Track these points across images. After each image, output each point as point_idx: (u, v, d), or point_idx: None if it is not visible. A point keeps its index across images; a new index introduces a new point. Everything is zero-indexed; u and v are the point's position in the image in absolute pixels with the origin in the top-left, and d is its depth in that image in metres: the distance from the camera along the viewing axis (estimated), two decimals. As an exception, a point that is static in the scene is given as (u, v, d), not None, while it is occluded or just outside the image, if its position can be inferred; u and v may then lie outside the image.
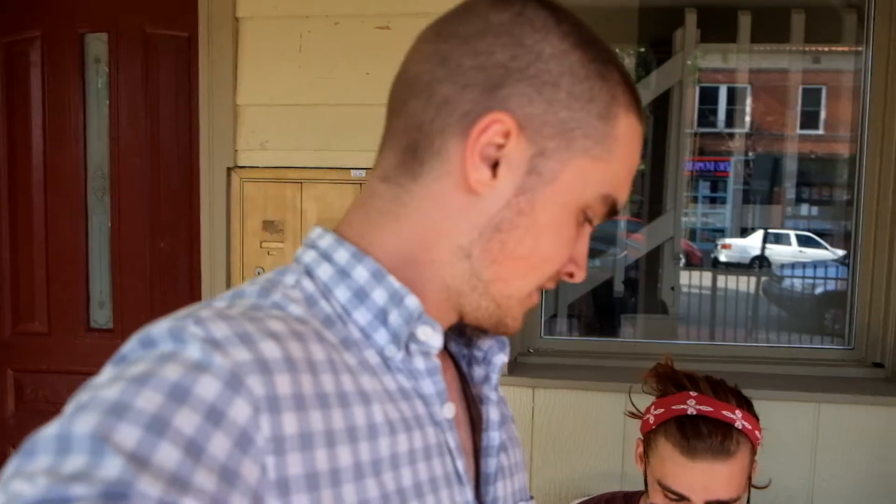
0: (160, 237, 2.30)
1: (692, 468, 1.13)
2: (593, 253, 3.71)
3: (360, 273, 0.57)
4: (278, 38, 2.00)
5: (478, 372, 0.66)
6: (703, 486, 1.12)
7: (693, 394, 1.19)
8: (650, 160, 3.74)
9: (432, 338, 0.56)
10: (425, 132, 0.57)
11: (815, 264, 5.15)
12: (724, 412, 1.15)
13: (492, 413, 0.64)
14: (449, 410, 0.58)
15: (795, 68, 3.69)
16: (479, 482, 0.62)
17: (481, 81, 0.55)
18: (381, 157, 0.61)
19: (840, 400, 1.95)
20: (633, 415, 1.32)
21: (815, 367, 2.13)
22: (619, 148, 0.58)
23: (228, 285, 2.10)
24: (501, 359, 0.65)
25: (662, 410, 1.20)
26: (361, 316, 0.56)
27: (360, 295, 0.56)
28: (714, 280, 5.43)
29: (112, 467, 0.38)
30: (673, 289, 3.42)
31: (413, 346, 0.56)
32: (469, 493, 0.58)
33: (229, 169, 2.05)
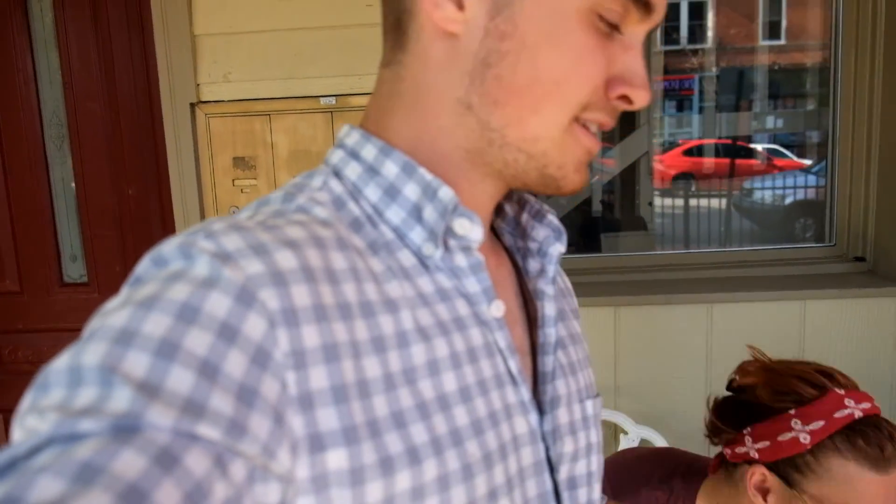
0: (128, 184, 2.21)
1: (885, 483, 0.91)
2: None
3: (390, 169, 0.53)
4: (232, -39, 1.89)
5: (532, 265, 0.62)
6: None
7: (841, 391, 0.95)
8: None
9: (471, 231, 0.52)
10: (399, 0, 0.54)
11: (784, 175, 5.22)
12: (874, 402, 0.97)
13: (547, 308, 0.60)
14: (497, 309, 0.54)
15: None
16: (537, 381, 0.59)
17: None
18: (383, 46, 0.57)
19: (825, 295, 1.97)
20: (715, 434, 1.04)
21: (799, 265, 2.15)
22: None
23: (203, 228, 2.04)
24: (558, 249, 0.61)
25: (823, 423, 0.93)
26: (394, 214, 0.53)
27: (392, 192, 0.53)
28: (686, 198, 5.47)
29: (121, 399, 0.36)
30: (650, 204, 3.42)
31: (452, 242, 0.53)
32: (525, 393, 0.55)
33: (193, 105, 1.96)
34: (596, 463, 0.63)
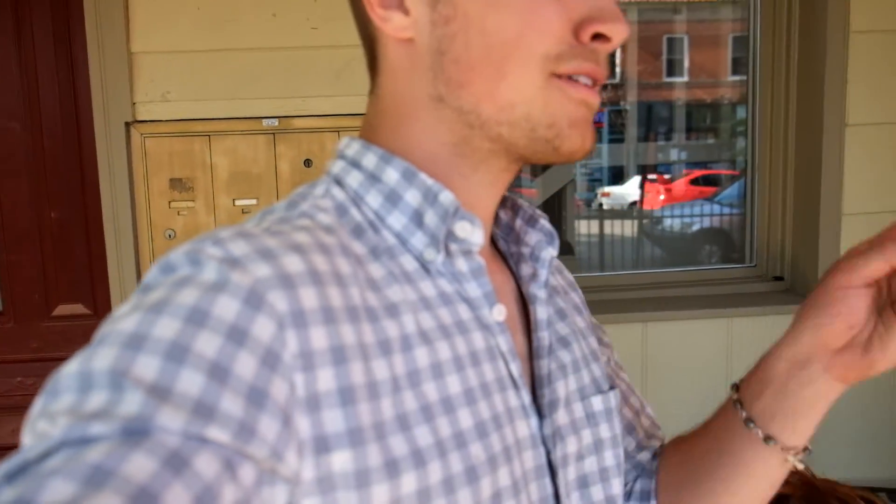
0: (50, 207, 2.09)
1: None
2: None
3: (391, 175, 0.54)
4: (173, -22, 1.85)
5: (525, 269, 0.62)
6: None
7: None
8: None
9: (472, 234, 0.53)
10: (361, 26, 0.57)
11: (691, 204, 5.51)
12: None
13: (539, 312, 0.60)
14: (499, 313, 0.55)
15: (669, 18, 3.89)
16: (535, 385, 0.59)
17: None
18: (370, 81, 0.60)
19: (749, 313, 2.09)
20: None
21: (724, 285, 2.27)
22: None
23: (136, 252, 1.96)
24: (550, 253, 0.61)
25: None
26: (396, 220, 0.53)
27: (393, 198, 0.53)
28: (601, 226, 5.67)
29: (132, 402, 0.36)
30: (576, 230, 3.52)
31: (453, 246, 0.53)
32: (526, 397, 0.55)
33: (128, 124, 1.89)
34: (611, 458, 0.63)
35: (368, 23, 0.55)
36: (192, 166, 1.93)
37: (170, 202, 1.95)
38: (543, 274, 0.61)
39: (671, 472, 0.72)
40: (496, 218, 0.65)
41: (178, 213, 1.96)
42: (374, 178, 0.54)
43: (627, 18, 0.52)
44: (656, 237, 5.75)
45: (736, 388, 0.65)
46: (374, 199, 0.54)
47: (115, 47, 1.85)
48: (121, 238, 1.94)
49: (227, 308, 0.40)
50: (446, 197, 0.52)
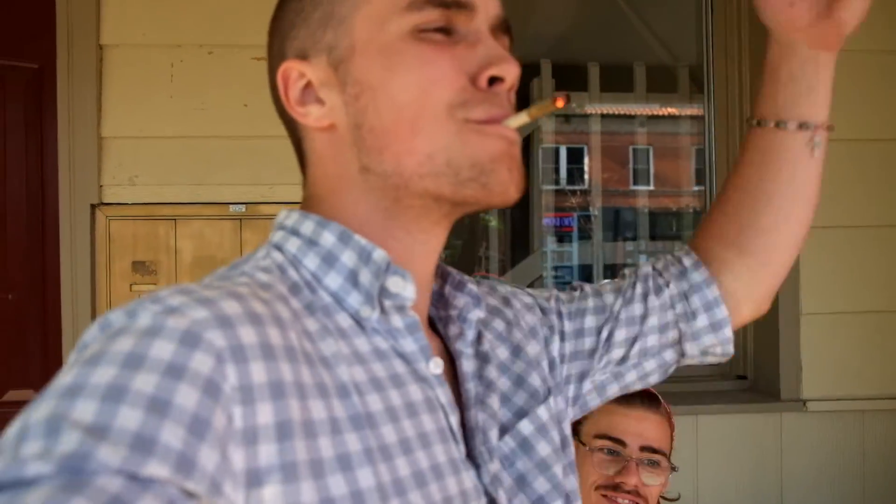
0: (8, 288, 2.05)
1: (627, 415, 1.20)
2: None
3: (327, 238, 0.56)
4: (147, 68, 1.91)
5: (453, 329, 0.64)
6: (638, 431, 1.19)
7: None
8: (510, 215, 3.90)
9: (404, 288, 0.54)
10: (287, 126, 0.62)
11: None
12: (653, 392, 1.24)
13: (465, 365, 0.62)
14: (436, 366, 0.56)
15: (631, 130, 4.08)
16: (467, 436, 0.60)
17: (273, 53, 0.61)
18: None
19: (716, 410, 2.09)
20: None
21: (689, 382, 2.27)
22: None
23: (90, 336, 1.92)
24: (476, 314, 0.64)
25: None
26: (332, 281, 0.55)
27: (329, 259, 0.56)
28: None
29: (69, 442, 0.36)
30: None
31: (387, 303, 0.55)
32: (463, 448, 0.57)
33: (93, 206, 1.89)
34: (560, 474, 0.64)
35: (292, 121, 0.60)
36: (157, 249, 1.93)
37: (131, 285, 1.93)
38: (470, 334, 0.63)
39: (722, 234, 0.77)
40: None
41: (140, 297, 1.93)
42: (311, 242, 0.57)
43: (516, 57, 0.57)
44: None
45: (748, 121, 0.75)
46: (311, 262, 0.56)
47: (86, 131, 1.88)
48: (78, 320, 1.90)
49: (163, 349, 0.41)
50: (379, 254, 0.55)
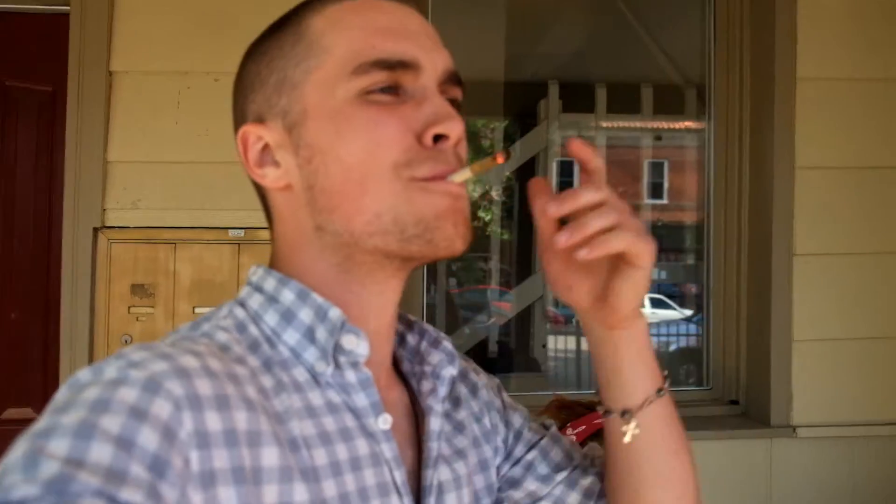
0: (10, 307, 2.11)
1: None
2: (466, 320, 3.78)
3: (287, 296, 0.59)
4: (155, 94, 1.96)
5: (426, 386, 0.66)
6: None
7: (600, 410, 1.30)
8: (517, 225, 3.91)
9: (357, 346, 0.57)
10: (254, 185, 0.65)
11: (668, 323, 5.50)
12: None
13: (433, 423, 0.64)
14: (384, 422, 0.59)
15: (642, 145, 4.07)
16: (421, 495, 0.62)
17: (235, 114, 0.64)
18: None
19: (705, 437, 2.09)
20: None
21: (681, 408, 2.27)
22: (329, 37, 0.59)
23: (91, 355, 1.97)
24: (450, 371, 0.66)
25: (584, 427, 1.32)
26: (290, 336, 0.58)
27: (288, 316, 0.59)
28: (578, 341, 5.65)
29: (49, 469, 0.40)
30: (544, 346, 3.54)
31: (342, 359, 0.58)
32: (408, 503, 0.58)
33: (96, 229, 1.95)
34: None
35: (255, 181, 0.63)
36: (156, 272, 1.97)
37: (130, 307, 1.97)
38: (442, 390, 0.65)
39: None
40: (404, 340, 0.70)
41: (137, 319, 1.98)
42: (272, 299, 0.60)
43: (462, 115, 0.59)
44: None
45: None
46: (271, 318, 0.59)
47: (92, 156, 1.93)
48: (76, 341, 1.95)
49: (127, 394, 0.45)
50: (334, 313, 0.58)
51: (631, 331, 0.64)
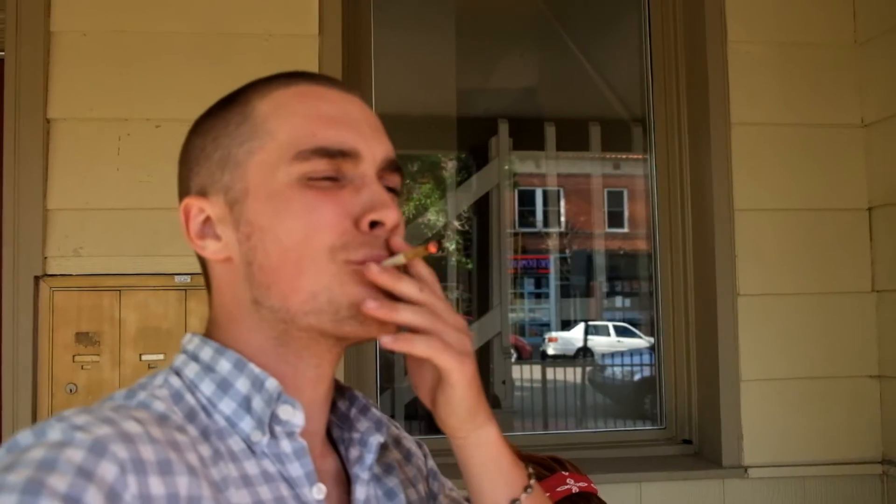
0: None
1: None
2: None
3: (223, 365, 0.61)
4: (94, 141, 1.93)
5: (353, 453, 0.67)
6: None
7: (566, 473, 1.24)
8: (476, 259, 3.92)
9: (293, 416, 0.59)
10: (197, 255, 0.67)
11: (632, 352, 5.54)
12: (591, 484, 1.25)
13: (358, 492, 0.64)
14: (319, 491, 0.60)
15: (598, 173, 4.13)
16: None
17: (180, 184, 0.67)
18: None
19: (658, 478, 2.10)
20: None
21: (635, 448, 2.28)
22: (273, 121, 0.62)
23: (34, 405, 1.92)
24: (377, 439, 0.67)
25: (548, 495, 1.24)
26: (226, 406, 0.60)
27: (224, 386, 0.60)
28: (543, 372, 5.66)
29: None
30: (504, 382, 3.54)
31: (278, 429, 0.59)
32: None
33: (37, 277, 1.91)
34: None
35: (196, 252, 0.66)
36: (100, 320, 1.94)
37: (74, 356, 1.93)
38: (369, 458, 0.66)
39: None
40: (335, 406, 0.70)
41: (83, 368, 1.94)
42: (209, 368, 0.61)
43: (400, 206, 0.63)
44: (598, 384, 5.75)
45: None
46: (207, 387, 0.61)
47: (31, 203, 1.90)
48: (19, 391, 1.90)
49: (73, 455, 0.46)
50: (271, 384, 0.59)
51: (476, 438, 0.65)
